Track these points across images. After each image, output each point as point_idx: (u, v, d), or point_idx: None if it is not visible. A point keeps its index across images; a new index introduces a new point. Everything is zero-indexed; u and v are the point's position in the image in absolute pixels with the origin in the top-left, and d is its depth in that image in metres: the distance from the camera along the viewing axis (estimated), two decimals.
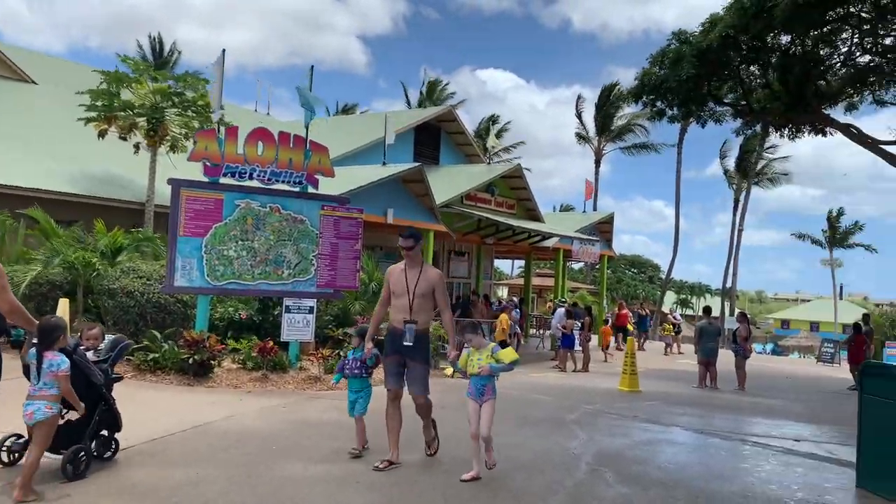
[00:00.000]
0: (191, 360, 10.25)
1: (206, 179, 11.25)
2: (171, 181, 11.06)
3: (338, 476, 5.96)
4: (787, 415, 11.92)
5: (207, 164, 11.19)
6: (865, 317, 20.99)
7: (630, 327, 26.01)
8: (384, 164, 18.53)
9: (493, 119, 49.92)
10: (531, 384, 13.86)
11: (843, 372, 23.24)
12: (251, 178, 11.48)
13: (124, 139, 16.80)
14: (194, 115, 16.76)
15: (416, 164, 19.07)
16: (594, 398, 12.22)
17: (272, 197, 11.60)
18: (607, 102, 49.11)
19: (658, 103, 20.12)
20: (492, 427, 6.08)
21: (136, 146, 16.78)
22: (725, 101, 21.50)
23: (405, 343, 6.26)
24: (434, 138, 26.47)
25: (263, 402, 9.31)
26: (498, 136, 45.05)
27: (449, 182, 21.51)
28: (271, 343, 11.25)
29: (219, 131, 11.80)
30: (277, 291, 11.75)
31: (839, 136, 20.53)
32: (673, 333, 27.67)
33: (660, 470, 6.97)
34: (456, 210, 20.15)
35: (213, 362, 10.61)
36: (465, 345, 6.27)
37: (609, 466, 6.94)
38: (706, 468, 7.25)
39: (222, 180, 11.32)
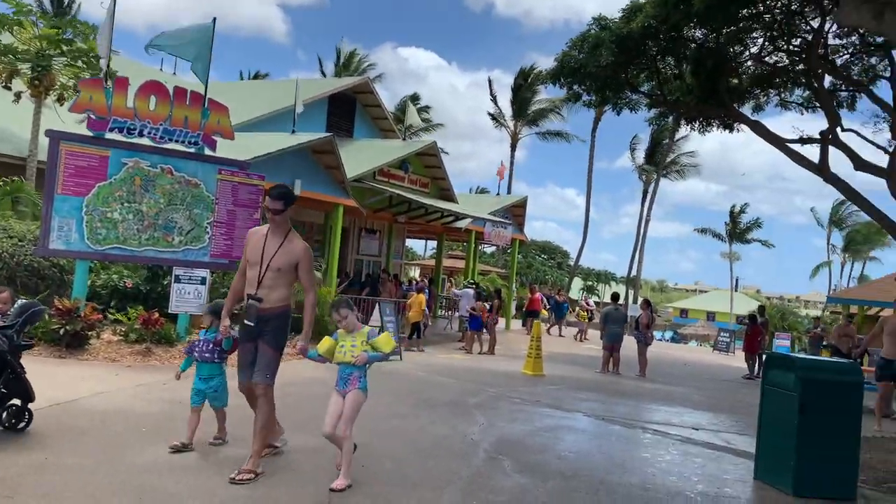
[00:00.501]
0: (62, 331, 9.33)
1: (90, 134, 10.26)
2: (49, 133, 10.03)
3: (208, 465, 5.37)
4: (686, 402, 12.01)
5: (92, 116, 10.20)
6: (761, 308, 21.74)
7: (544, 312, 26.10)
8: (293, 132, 17.69)
9: (414, 98, 49.23)
10: (437, 366, 13.52)
11: (738, 361, 24.05)
12: (141, 135, 10.54)
13: (8, 88, 15.32)
14: (85, 66, 15.44)
15: (328, 134, 18.32)
16: (498, 381, 11.98)
17: (164, 157, 10.71)
18: (524, 86, 49.17)
19: (575, 87, 20.05)
20: (352, 426, 5.13)
21: (18, 95, 15.33)
22: (641, 89, 21.66)
23: (246, 322, 5.28)
24: (349, 110, 25.65)
25: (142, 378, 8.55)
26: (420, 115, 44.47)
27: (362, 156, 20.83)
28: (157, 314, 10.42)
29: (107, 83, 10.79)
30: (166, 259, 10.90)
31: (742, 135, 21.26)
32: (587, 320, 28.01)
33: (560, 459, 6.71)
34: (368, 185, 19.52)
35: (89, 333, 9.72)
36: (339, 325, 5.28)
37: (508, 454, 6.62)
38: (607, 457, 7.04)
39: (108, 136, 10.36)
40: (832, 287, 71.85)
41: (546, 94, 48.21)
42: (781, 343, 35.96)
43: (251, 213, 11.36)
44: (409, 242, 41.93)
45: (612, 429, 8.73)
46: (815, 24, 18.46)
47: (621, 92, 21.36)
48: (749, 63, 20.74)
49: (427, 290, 22.87)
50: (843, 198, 74.50)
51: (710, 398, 13.09)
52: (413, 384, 10.81)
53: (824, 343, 24.63)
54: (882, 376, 10.47)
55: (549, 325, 27.55)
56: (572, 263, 59.52)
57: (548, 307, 28.75)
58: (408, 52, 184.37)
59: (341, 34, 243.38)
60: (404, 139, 28.24)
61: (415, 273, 42.35)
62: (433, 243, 37.48)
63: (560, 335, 26.15)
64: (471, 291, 18.05)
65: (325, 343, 5.29)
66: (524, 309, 25.31)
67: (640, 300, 25.77)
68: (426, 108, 49.84)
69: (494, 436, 7.43)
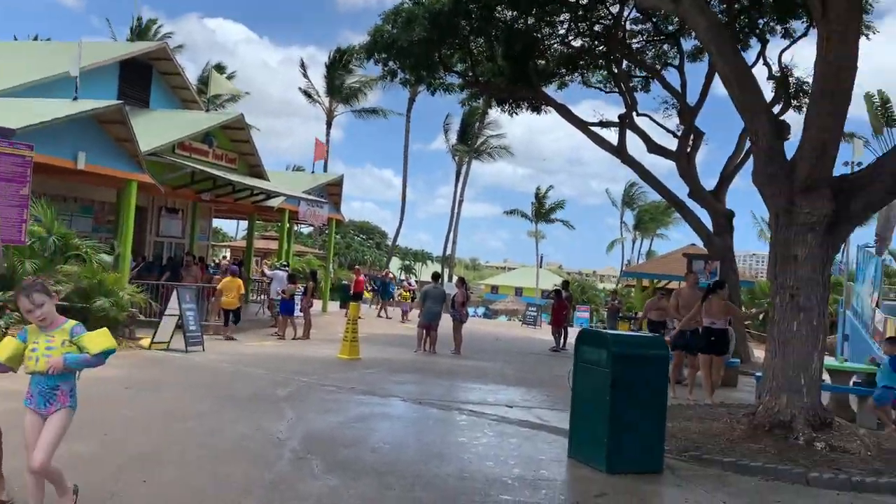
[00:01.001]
0: None
1: None
2: None
3: None
4: (500, 379, 12.10)
5: None
6: (565, 283, 22.74)
7: (367, 294, 25.55)
8: (75, 99, 15.70)
9: (219, 67, 46.40)
10: (245, 355, 12.61)
11: (545, 334, 25.10)
12: None
13: None
14: None
15: (118, 102, 16.48)
16: (311, 369, 11.34)
17: None
18: (339, 62, 48.10)
19: (390, 63, 19.64)
20: (53, 453, 3.86)
21: None
22: (455, 70, 21.70)
23: None
24: (144, 78, 23.37)
25: None
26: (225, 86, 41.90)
27: (160, 128, 19.03)
28: None
29: None
30: None
31: (547, 121, 22.17)
32: (410, 300, 27.85)
33: (373, 452, 6.27)
34: (166, 160, 17.87)
35: None
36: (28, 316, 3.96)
37: (317, 452, 6.07)
38: (423, 446, 6.72)
39: None
40: (625, 262, 77.91)
41: (362, 73, 47.53)
42: (581, 315, 38.26)
43: (17, 188, 9.81)
44: (218, 223, 39.66)
45: (429, 412, 8.47)
46: (615, 9, 19.39)
47: (436, 72, 21.27)
48: (556, 45, 21.43)
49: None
50: (634, 180, 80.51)
51: (521, 372, 13.32)
52: (215, 377, 9.91)
53: (620, 314, 26.40)
54: (675, 346, 11.11)
55: (378, 307, 27.15)
56: (390, 243, 59.59)
57: (372, 289, 28.34)
58: (215, 23, 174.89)
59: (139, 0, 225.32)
60: (208, 111, 26.38)
61: (226, 255, 40.22)
62: (246, 223, 35.75)
63: (387, 317, 25.84)
64: (282, 273, 17.15)
65: (7, 346, 3.93)
66: (350, 291, 24.64)
67: (455, 278, 26.11)
68: (231, 77, 47.11)
69: (303, 431, 6.85)
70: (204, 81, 39.38)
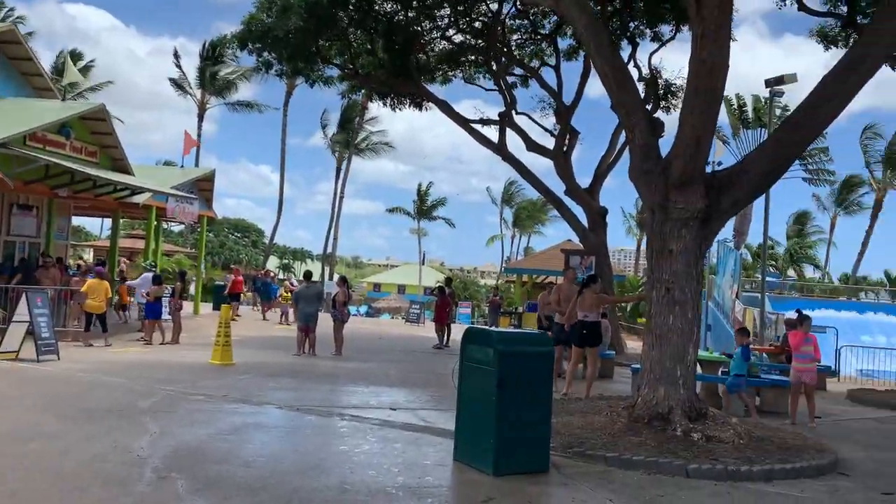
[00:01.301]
0: None
1: None
2: None
3: None
4: (383, 380, 11.79)
5: None
6: (448, 280, 22.72)
7: (246, 295, 24.39)
8: None
9: (75, 54, 43.32)
10: (105, 363, 11.65)
11: (428, 331, 25.01)
12: None
13: None
14: None
15: None
16: (179, 376, 10.59)
17: None
18: (213, 53, 46.07)
19: (265, 53, 18.85)
20: None
21: None
22: (334, 62, 21.14)
23: None
24: None
25: None
26: (84, 74, 39.20)
27: (9, 117, 17.39)
28: None
29: None
30: None
31: (427, 118, 22.10)
32: (291, 301, 26.79)
33: (247, 467, 5.80)
34: (16, 152, 16.31)
35: None
36: None
37: (183, 470, 5.54)
38: (301, 457, 6.31)
39: None
40: (505, 258, 79.60)
41: (237, 65, 45.70)
42: (463, 311, 38.62)
43: None
44: (80, 221, 37.02)
45: (307, 420, 8.03)
46: (495, 6, 19.49)
47: (314, 63, 20.64)
48: (437, 39, 21.31)
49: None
50: (513, 178, 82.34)
51: (405, 372, 13.07)
52: (69, 389, 9.03)
53: (502, 310, 26.74)
54: (558, 340, 11.22)
55: (263, 309, 26.06)
56: (267, 241, 57.81)
57: (254, 289, 27.16)
58: (75, 9, 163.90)
59: None
60: (64, 100, 24.45)
61: (88, 255, 37.61)
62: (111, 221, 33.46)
63: (264, 318, 24.85)
64: (148, 275, 16.07)
65: None
66: (226, 292, 23.43)
67: (336, 277, 25.49)
68: (89, 67, 44.10)
69: (168, 447, 6.27)
70: (60, 71, 36.66)
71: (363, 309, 52.95)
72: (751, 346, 15.94)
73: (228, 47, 29.65)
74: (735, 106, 39.79)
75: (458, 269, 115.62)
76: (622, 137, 21.37)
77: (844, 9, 15.38)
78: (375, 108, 53.27)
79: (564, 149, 20.50)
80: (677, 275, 7.98)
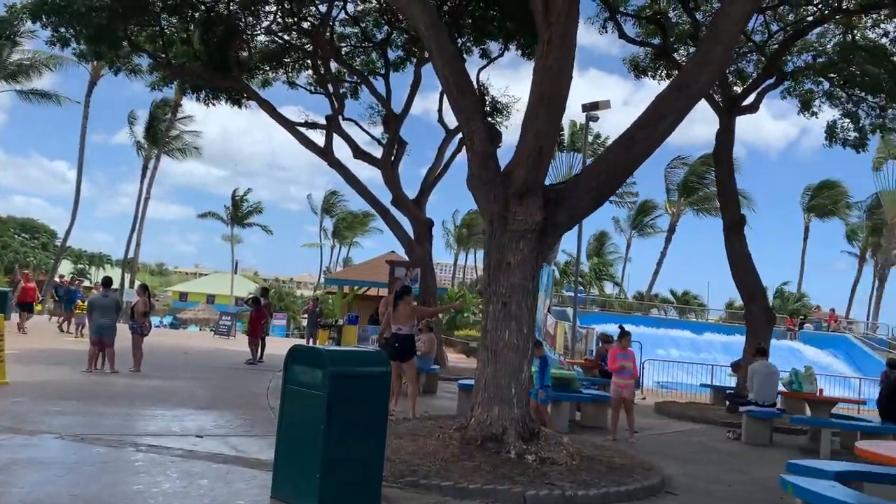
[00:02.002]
0: None
1: None
2: None
3: None
4: (188, 401, 10.54)
5: None
6: (264, 290, 21.46)
7: (39, 307, 21.24)
8: None
9: None
10: None
11: (240, 345, 23.45)
12: None
13: None
14: None
15: None
16: None
17: None
18: (3, 34, 40.84)
19: (62, 29, 16.68)
20: None
21: None
22: (145, 49, 19.25)
23: None
24: None
25: None
26: None
27: None
28: None
29: None
30: None
31: (244, 122, 21.39)
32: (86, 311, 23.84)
33: None
34: None
35: None
36: None
37: None
38: (84, 502, 5.18)
39: None
40: (324, 268, 78.20)
41: (33, 48, 40.83)
42: (278, 323, 37.03)
43: None
44: None
45: (94, 452, 6.78)
46: (324, 8, 18.71)
47: (119, 48, 18.67)
48: (262, 37, 20.13)
49: None
50: (334, 188, 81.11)
51: (214, 392, 11.84)
52: None
53: (321, 322, 25.75)
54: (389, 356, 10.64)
55: (60, 320, 22.97)
56: (60, 244, 52.23)
57: (55, 298, 23.94)
58: None
59: None
60: None
61: None
62: None
63: (67, 330, 21.93)
64: None
65: None
66: (14, 300, 20.27)
67: (136, 285, 23.20)
68: None
69: None
70: None
71: (167, 320, 49.38)
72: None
73: (18, 21, 25.99)
74: None
75: (274, 279, 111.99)
76: (449, 151, 21.41)
77: (657, 41, 16.37)
78: (190, 106, 50.16)
79: (392, 158, 20.10)
80: (514, 288, 7.70)
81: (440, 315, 24.58)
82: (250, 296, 39.13)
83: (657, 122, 7.58)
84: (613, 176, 7.72)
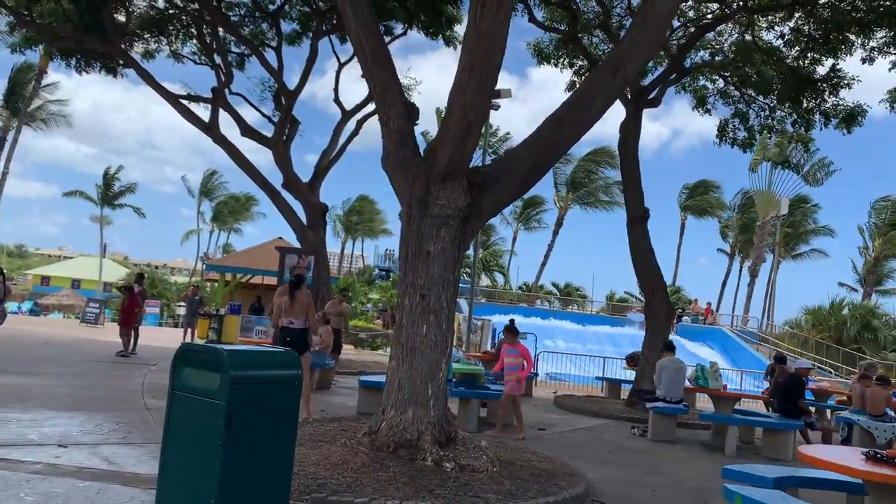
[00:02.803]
0: None
1: None
2: None
3: None
4: (50, 401, 9.19)
5: None
6: (139, 276, 19.72)
7: None
8: None
9: None
10: None
11: (110, 334, 21.56)
12: None
13: None
14: None
15: None
16: None
17: None
18: None
19: None
20: None
21: None
22: (4, 3, 17.10)
23: None
24: None
25: None
26: None
27: None
28: None
29: None
30: None
31: (117, 98, 19.28)
32: None
33: None
34: None
35: None
36: None
37: None
38: None
39: None
40: (201, 254, 74.71)
41: None
42: (150, 311, 34.69)
43: None
44: None
45: None
46: None
47: None
48: (141, 2, 18.39)
49: None
50: (214, 169, 77.71)
51: (81, 389, 10.46)
52: None
53: (202, 311, 24.09)
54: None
55: None
56: None
57: None
58: None
59: None
60: None
61: None
62: None
63: None
64: None
65: None
66: None
67: None
68: None
69: None
70: None
71: (27, 306, 45.41)
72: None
73: None
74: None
75: (145, 264, 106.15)
76: (345, 135, 20.42)
77: (563, 27, 16.11)
78: (57, 76, 46.24)
79: (284, 138, 18.92)
80: (433, 280, 7.02)
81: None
82: (121, 282, 36.72)
83: (589, 104, 7.10)
84: (543, 158, 7.17)
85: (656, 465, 8.70)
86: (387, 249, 67.02)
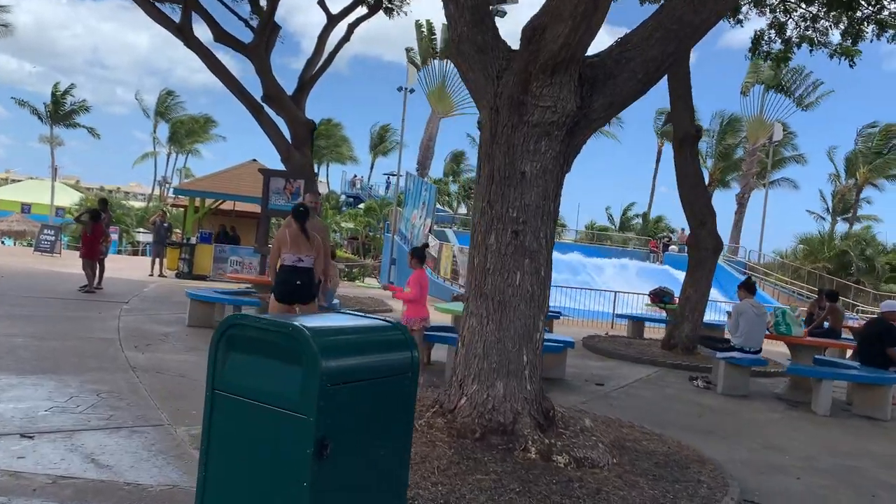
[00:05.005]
0: None
1: None
2: None
3: None
4: (4, 357, 7.26)
5: None
6: (103, 202, 17.46)
7: None
8: None
9: None
10: None
11: (68, 265, 19.40)
12: None
13: None
14: None
15: None
16: None
17: None
18: None
19: None
20: None
21: None
22: None
23: None
24: None
25: None
26: None
27: None
28: None
29: None
30: None
31: (63, 12, 15.96)
32: None
33: None
34: None
35: None
36: None
37: None
38: None
39: None
40: (158, 178, 71.45)
41: None
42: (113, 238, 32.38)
43: None
44: None
45: None
46: None
47: None
48: None
49: None
50: (168, 89, 73.74)
51: (43, 340, 8.50)
52: None
53: (169, 241, 21.94)
54: (284, 295, 7.91)
55: None
56: None
57: None
58: None
59: None
60: None
61: None
62: None
63: None
64: None
65: None
66: None
67: None
68: None
69: None
70: None
71: None
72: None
73: None
74: (425, 32, 38.67)
75: (98, 188, 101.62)
76: (332, 41, 18.07)
77: None
78: None
79: (266, 45, 16.53)
80: (529, 211, 5.23)
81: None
82: (78, 209, 34.05)
83: None
84: (674, 46, 5.31)
85: (760, 434, 7.23)
86: (354, 175, 64.65)
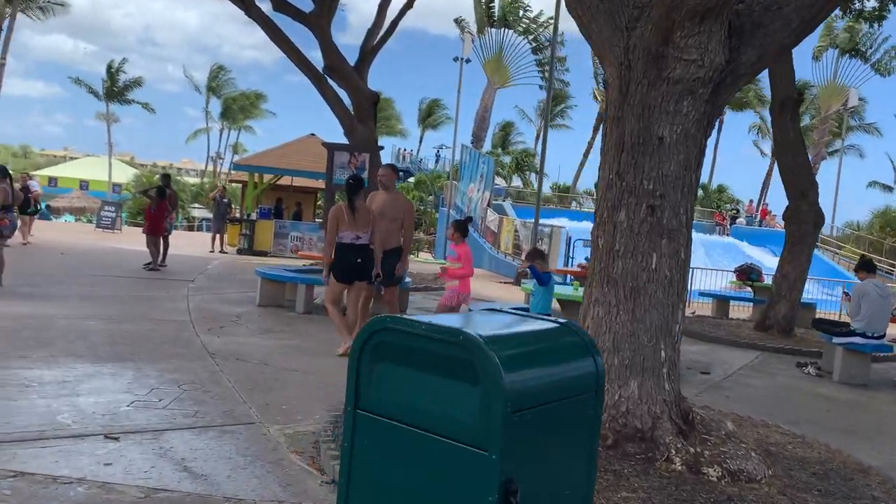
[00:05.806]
0: None
1: None
2: None
3: None
4: (78, 343, 6.89)
5: None
6: (166, 178, 17.19)
7: None
8: None
9: None
10: None
11: (131, 241, 19.32)
12: None
13: None
14: None
15: None
16: None
17: None
18: None
19: None
20: None
21: None
22: None
23: None
24: None
25: None
26: None
27: None
28: None
29: None
30: None
31: None
32: None
33: None
34: None
35: None
36: None
37: None
38: None
39: None
40: (211, 153, 72.00)
41: None
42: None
43: None
44: None
45: None
46: None
47: None
48: None
49: None
50: (219, 64, 74.08)
51: (115, 323, 8.14)
52: None
53: (230, 217, 21.76)
54: (344, 275, 7.37)
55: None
56: None
57: None
58: None
59: None
60: None
61: None
62: None
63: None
64: None
65: None
66: None
67: None
68: None
69: None
70: None
71: (40, 206, 43.16)
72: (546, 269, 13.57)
73: None
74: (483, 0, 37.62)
75: (152, 165, 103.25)
76: (395, 5, 17.37)
77: None
78: None
79: (326, 14, 15.94)
80: (668, 182, 4.52)
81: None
82: (146, 186, 34.30)
83: None
84: None
85: None
86: (401, 149, 64.05)
